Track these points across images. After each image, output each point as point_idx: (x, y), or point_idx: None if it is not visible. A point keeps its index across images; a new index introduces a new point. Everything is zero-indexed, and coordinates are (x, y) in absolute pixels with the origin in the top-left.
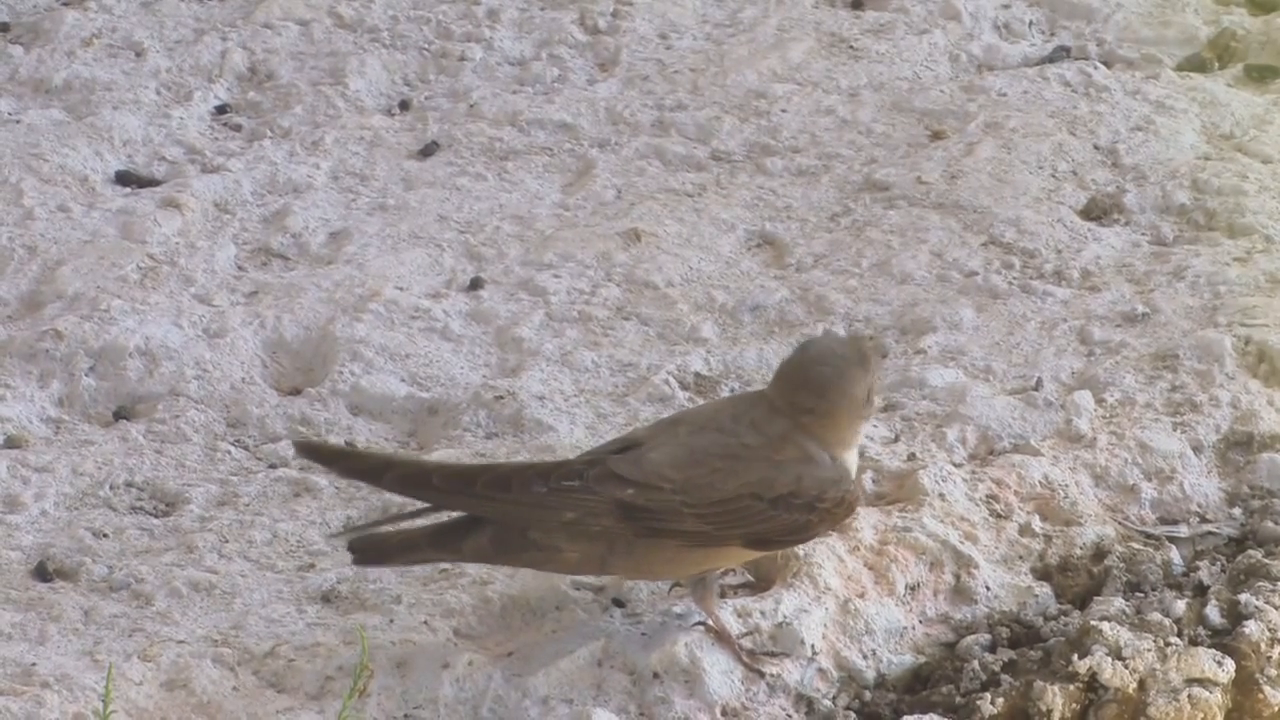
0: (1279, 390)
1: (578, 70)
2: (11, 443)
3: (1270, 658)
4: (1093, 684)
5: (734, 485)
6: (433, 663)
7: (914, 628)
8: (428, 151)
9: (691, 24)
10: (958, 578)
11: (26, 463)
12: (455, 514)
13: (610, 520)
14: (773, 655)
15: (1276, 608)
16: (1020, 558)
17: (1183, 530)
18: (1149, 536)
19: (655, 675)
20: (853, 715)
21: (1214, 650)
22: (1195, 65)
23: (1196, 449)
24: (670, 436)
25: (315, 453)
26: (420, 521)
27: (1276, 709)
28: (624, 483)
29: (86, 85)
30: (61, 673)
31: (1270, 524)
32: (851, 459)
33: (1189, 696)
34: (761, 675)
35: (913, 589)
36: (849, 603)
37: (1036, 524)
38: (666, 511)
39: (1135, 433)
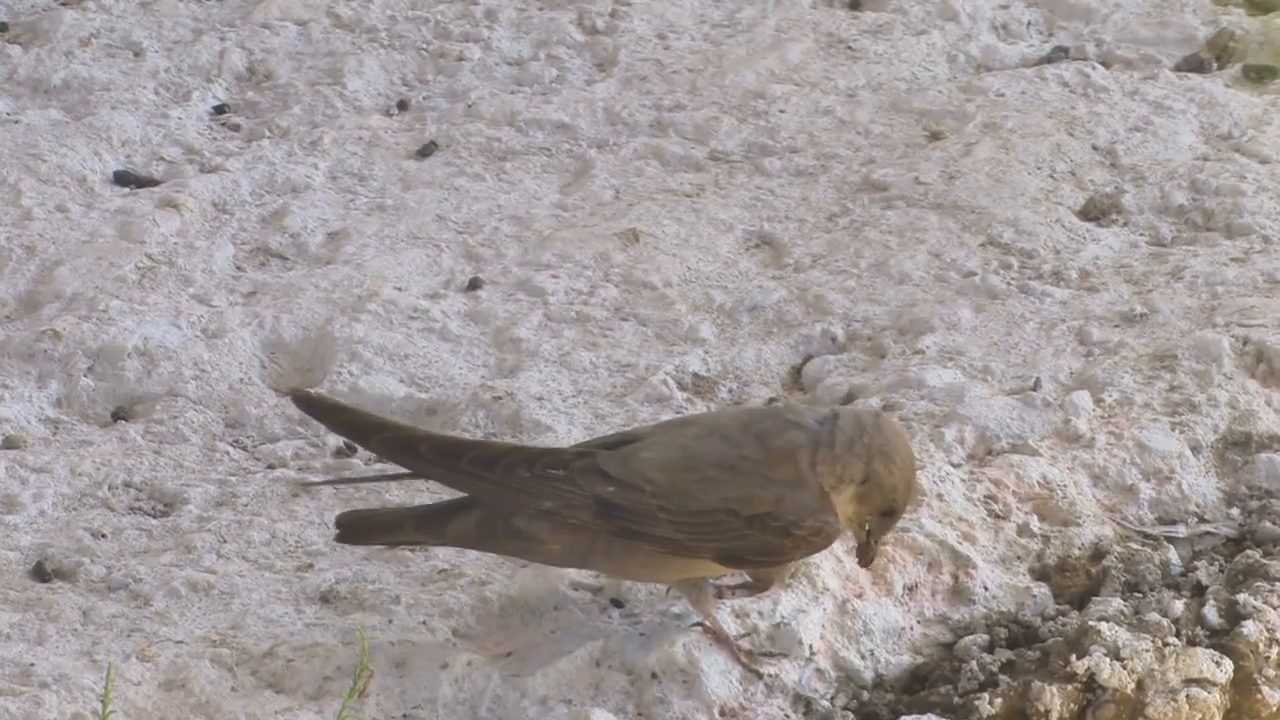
0: (1277, 390)
1: (576, 70)
2: (10, 443)
3: (1268, 658)
4: (1091, 684)
5: (714, 498)
6: (431, 663)
7: (912, 628)
8: (426, 152)
9: (690, 24)
10: (956, 578)
11: (25, 463)
12: (437, 497)
13: (587, 515)
14: (770, 656)
15: (1274, 608)
16: (1018, 558)
17: (1181, 530)
18: (1147, 536)
19: (653, 675)
20: (850, 715)
21: (1212, 650)
22: (1193, 66)
23: (1194, 449)
24: (672, 437)
25: (310, 404)
26: (407, 501)
27: (1274, 709)
28: (606, 479)
29: (85, 85)
30: (60, 673)
31: (1268, 524)
32: (841, 502)
33: (1187, 697)
34: (759, 676)
35: (910, 589)
36: (847, 603)
37: (1034, 524)
38: (642, 514)
39: (1133, 433)
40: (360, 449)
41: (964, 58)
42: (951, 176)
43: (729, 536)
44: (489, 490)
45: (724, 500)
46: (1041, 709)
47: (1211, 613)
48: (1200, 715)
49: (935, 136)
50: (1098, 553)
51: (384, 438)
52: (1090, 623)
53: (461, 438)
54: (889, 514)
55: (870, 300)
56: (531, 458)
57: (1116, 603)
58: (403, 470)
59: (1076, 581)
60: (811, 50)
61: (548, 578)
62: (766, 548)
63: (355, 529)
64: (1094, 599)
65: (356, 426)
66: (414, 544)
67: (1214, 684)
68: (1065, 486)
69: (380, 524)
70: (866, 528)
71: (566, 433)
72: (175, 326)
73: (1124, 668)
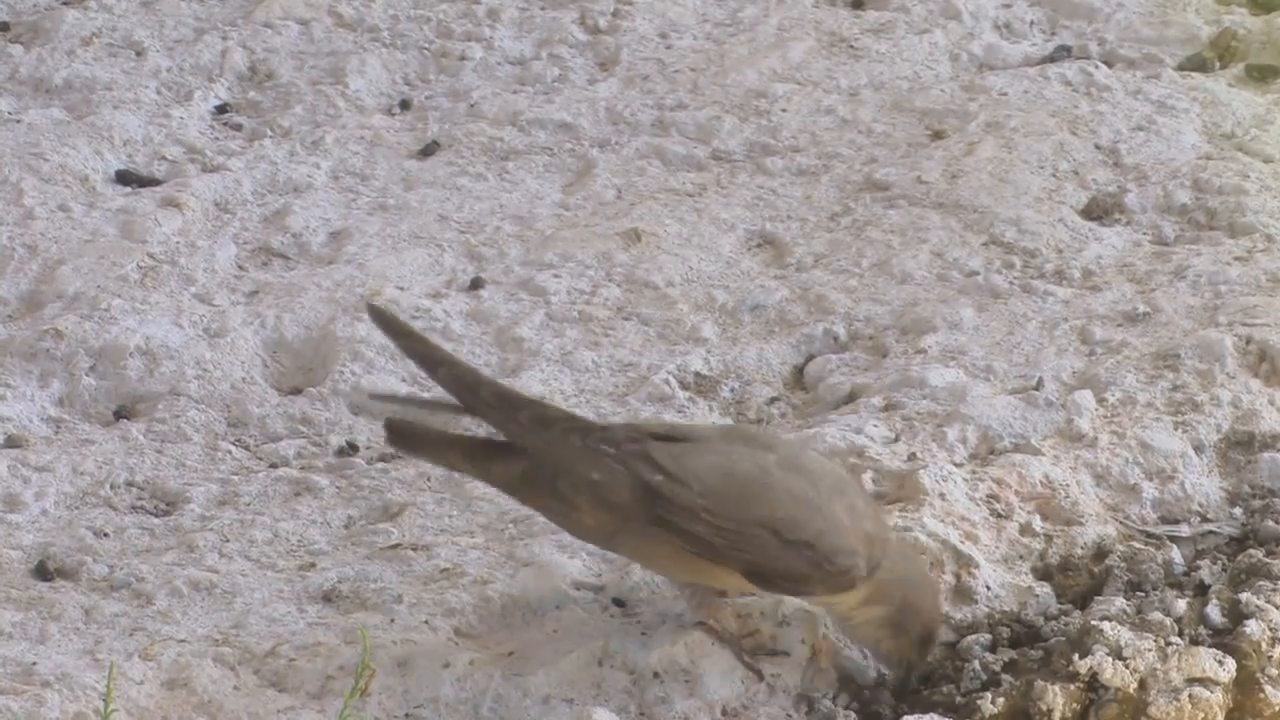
0: (1279, 389)
1: (578, 70)
2: (12, 442)
3: (1271, 657)
4: (1093, 684)
5: (762, 513)
6: (434, 662)
7: None
8: (428, 151)
9: (692, 23)
10: (958, 577)
11: (27, 462)
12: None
13: (630, 496)
14: (773, 655)
15: (1277, 607)
16: (1021, 557)
17: (1184, 530)
18: (1150, 536)
19: (655, 675)
20: (853, 715)
21: (1215, 650)
22: (1196, 65)
23: (1197, 448)
24: (752, 454)
25: (386, 322)
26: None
27: (1277, 708)
28: (656, 468)
29: (87, 84)
30: (62, 672)
31: (1271, 523)
32: (869, 625)
33: (1190, 696)
34: (761, 677)
35: None
36: None
37: (1037, 523)
38: (684, 508)
39: (1136, 432)
40: (361, 449)
41: (967, 57)
42: (954, 176)
43: (762, 553)
44: (542, 448)
45: (770, 518)
46: (1044, 708)
47: (1214, 612)
48: (1203, 714)
49: (938, 135)
50: (1100, 552)
51: (449, 372)
52: (1093, 622)
53: (520, 392)
54: (926, 642)
55: (872, 299)
56: (586, 429)
57: (1119, 602)
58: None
59: (1079, 581)
60: (814, 49)
61: (550, 577)
62: (793, 574)
63: (404, 436)
64: (1096, 598)
65: (423, 356)
66: (454, 469)
67: (1216, 683)
68: (1068, 486)
69: (430, 440)
70: (905, 658)
71: None
72: (177, 326)
73: (1126, 667)
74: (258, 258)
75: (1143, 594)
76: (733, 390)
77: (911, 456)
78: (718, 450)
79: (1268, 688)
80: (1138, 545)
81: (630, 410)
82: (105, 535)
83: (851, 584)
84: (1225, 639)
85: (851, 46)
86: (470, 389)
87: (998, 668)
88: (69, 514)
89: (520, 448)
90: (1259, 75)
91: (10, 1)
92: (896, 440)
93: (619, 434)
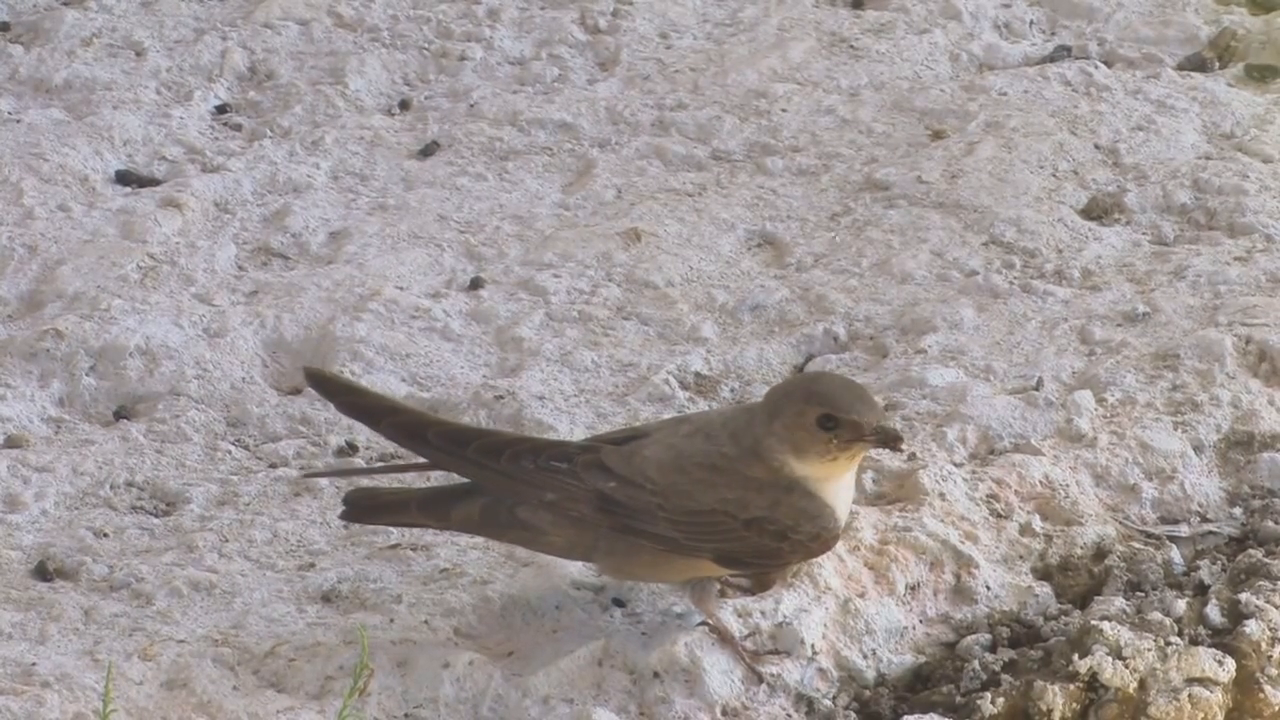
0: (1279, 389)
1: (578, 70)
2: (12, 442)
3: (1271, 657)
4: (1093, 684)
5: (711, 499)
6: (433, 662)
7: (914, 627)
8: (428, 151)
9: (692, 23)
10: (958, 577)
11: (27, 462)
12: (444, 481)
13: (588, 509)
14: (775, 654)
15: (1277, 607)
16: (1021, 557)
17: (1183, 530)
18: (1149, 536)
19: (655, 675)
20: (853, 715)
21: (1214, 650)
22: (1196, 65)
23: (1197, 448)
24: (667, 436)
25: (322, 383)
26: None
27: (1277, 708)
28: (609, 474)
29: (86, 85)
30: (62, 672)
31: (1271, 523)
32: (835, 494)
33: (1189, 696)
34: (760, 677)
35: (913, 589)
36: (849, 602)
37: (1037, 523)
38: (642, 511)
39: (1136, 432)
40: (360, 449)
41: (966, 56)
42: (954, 176)
43: (727, 538)
44: (492, 478)
45: (721, 501)
46: (1044, 708)
47: (1214, 612)
48: (1202, 714)
49: (938, 135)
50: (1100, 552)
51: (394, 421)
52: (1092, 622)
53: (470, 425)
54: (839, 424)
55: (872, 299)
56: (537, 449)
57: (1119, 602)
58: (405, 463)
59: (1079, 581)
60: (814, 49)
61: (549, 577)
62: (763, 550)
63: (361, 507)
64: (1096, 598)
65: (367, 409)
66: (418, 526)
67: (1216, 683)
68: (1067, 486)
69: (386, 504)
70: (857, 445)
71: (568, 432)
72: (177, 326)
73: (1126, 667)
74: (257, 258)
75: (1142, 594)
76: (733, 390)
77: (911, 456)
78: (662, 443)
79: (1267, 688)
80: (1137, 545)
81: (630, 410)
82: (105, 535)
83: (828, 545)
84: (1225, 639)
85: (852, 46)
86: (416, 435)
87: (997, 668)
88: (69, 514)
89: (476, 486)
90: (1259, 75)
91: (10, 1)
92: None
93: (571, 448)
